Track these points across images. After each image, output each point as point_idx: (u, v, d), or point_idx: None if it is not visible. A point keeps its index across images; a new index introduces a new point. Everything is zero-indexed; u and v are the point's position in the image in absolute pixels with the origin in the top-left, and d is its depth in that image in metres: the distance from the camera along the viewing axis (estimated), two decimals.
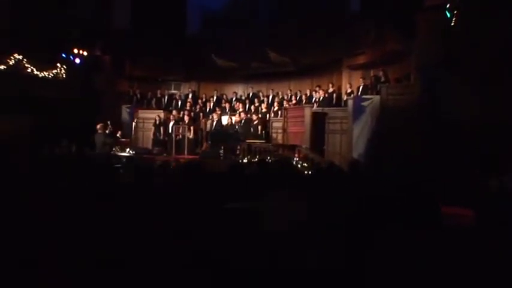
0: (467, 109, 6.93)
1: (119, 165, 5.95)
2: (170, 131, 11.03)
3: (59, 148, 9.46)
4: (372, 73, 10.50)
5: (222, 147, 9.85)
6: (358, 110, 9.09)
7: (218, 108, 12.17)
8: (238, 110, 11.67)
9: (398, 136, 7.98)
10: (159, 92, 13.62)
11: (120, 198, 2.95)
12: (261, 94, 13.11)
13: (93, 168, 4.54)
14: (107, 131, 10.30)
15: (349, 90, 10.66)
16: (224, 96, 13.41)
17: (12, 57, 11.53)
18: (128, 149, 9.83)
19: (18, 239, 2.17)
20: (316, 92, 11.30)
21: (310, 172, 6.15)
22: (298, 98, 11.86)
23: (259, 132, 10.25)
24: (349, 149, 9.13)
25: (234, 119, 11.10)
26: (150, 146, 11.37)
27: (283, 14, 12.18)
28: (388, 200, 3.07)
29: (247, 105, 12.29)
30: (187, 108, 12.19)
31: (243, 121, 10.79)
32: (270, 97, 12.58)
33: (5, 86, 11.05)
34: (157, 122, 11.46)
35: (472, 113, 6.85)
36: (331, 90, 11.17)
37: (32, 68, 11.88)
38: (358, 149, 9.00)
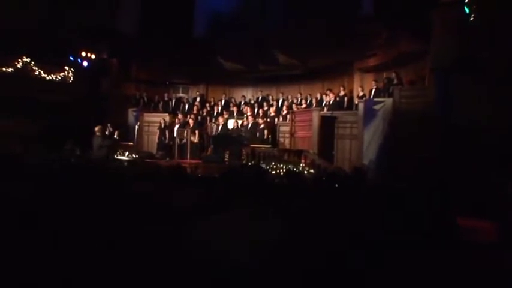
0: (486, 113, 6.49)
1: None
2: (175, 134, 10.78)
3: (63, 151, 9.32)
4: (384, 75, 10.06)
5: (228, 152, 9.52)
6: (369, 114, 8.68)
7: (226, 111, 11.90)
8: (246, 113, 11.34)
9: (411, 141, 7.57)
10: (166, 95, 13.44)
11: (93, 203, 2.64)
12: (270, 98, 12.86)
13: (79, 171, 4.22)
14: (107, 133, 10.05)
15: (360, 94, 10.23)
16: (233, 100, 13.14)
17: (20, 60, 11.49)
18: (127, 153, 9.57)
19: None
20: (326, 95, 10.90)
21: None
22: (308, 102, 11.49)
23: (266, 136, 9.88)
24: (359, 155, 8.74)
25: (240, 122, 10.78)
26: (155, 150, 11.13)
27: (292, 16, 11.83)
28: (397, 215, 2.71)
29: (255, 109, 11.97)
30: (194, 111, 11.93)
31: (249, 125, 10.45)
32: (280, 101, 12.25)
33: (13, 88, 11.02)
34: (163, 126, 11.23)
35: (490, 117, 6.40)
36: (342, 93, 10.76)
37: (39, 70, 11.83)
38: (368, 155, 8.62)
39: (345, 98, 10.71)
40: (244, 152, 8.97)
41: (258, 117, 10.96)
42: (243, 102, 12.93)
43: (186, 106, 12.92)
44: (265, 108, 11.88)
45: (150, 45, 12.80)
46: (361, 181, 3.68)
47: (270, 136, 9.98)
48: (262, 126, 10.16)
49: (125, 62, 13.18)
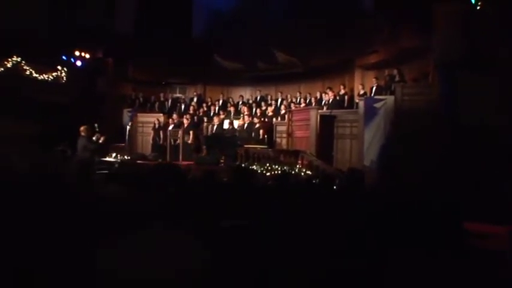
0: (492, 111, 6.11)
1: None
2: (168, 135, 10.43)
3: (54, 153, 9.03)
4: (386, 73, 9.68)
5: (224, 154, 9.14)
6: (370, 112, 8.31)
7: (223, 112, 11.56)
8: (243, 113, 10.99)
9: (414, 141, 7.18)
10: (162, 95, 13.12)
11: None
12: (269, 97, 12.54)
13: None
14: (94, 138, 9.64)
15: (361, 92, 9.86)
16: (230, 100, 12.81)
17: (10, 60, 11.20)
18: (114, 154, 9.19)
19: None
20: (326, 94, 10.54)
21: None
22: (307, 101, 11.12)
23: (261, 136, 9.50)
24: (360, 156, 8.36)
25: (237, 123, 10.41)
26: (149, 151, 10.77)
27: (290, 12, 11.49)
28: (396, 221, 2.41)
29: (253, 109, 11.62)
30: (190, 112, 11.59)
31: (245, 125, 10.08)
32: (279, 101, 11.90)
33: (3, 89, 10.73)
34: (157, 126, 10.88)
35: (496, 115, 6.02)
36: (342, 92, 10.39)
37: (31, 70, 11.54)
38: (370, 156, 8.26)
39: (346, 97, 10.36)
40: (239, 153, 8.60)
41: (255, 117, 10.61)
42: (240, 102, 12.60)
43: (183, 106, 12.61)
44: (264, 108, 11.54)
45: (146, 45, 12.48)
46: (357, 184, 3.31)
47: (265, 136, 9.60)
48: (257, 126, 9.78)
49: (120, 62, 12.86)
